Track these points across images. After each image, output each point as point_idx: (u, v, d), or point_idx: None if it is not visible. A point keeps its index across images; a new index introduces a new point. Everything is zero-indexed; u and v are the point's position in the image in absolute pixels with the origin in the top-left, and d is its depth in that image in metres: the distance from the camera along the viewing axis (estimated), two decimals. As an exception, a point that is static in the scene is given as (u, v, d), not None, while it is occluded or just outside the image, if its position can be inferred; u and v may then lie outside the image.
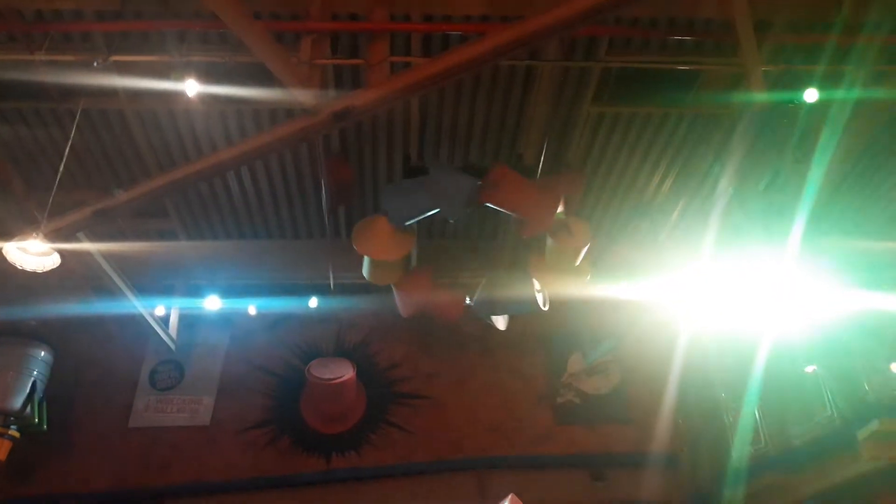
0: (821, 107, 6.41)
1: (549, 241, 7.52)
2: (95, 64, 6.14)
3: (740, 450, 8.17)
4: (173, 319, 9.83)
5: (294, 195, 8.55)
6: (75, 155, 7.46)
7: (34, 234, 5.81)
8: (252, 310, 9.93)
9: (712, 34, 6.47)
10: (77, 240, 6.68)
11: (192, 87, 6.08)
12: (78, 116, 6.73)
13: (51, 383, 9.27)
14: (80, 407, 9.73)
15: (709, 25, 6.48)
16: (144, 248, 9.06)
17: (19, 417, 8.71)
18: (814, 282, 6.85)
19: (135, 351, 10.18)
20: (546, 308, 7.88)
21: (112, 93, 6.81)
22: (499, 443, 9.78)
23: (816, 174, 6.66)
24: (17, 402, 8.66)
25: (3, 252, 5.91)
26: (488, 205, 7.14)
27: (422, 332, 10.21)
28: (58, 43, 6.29)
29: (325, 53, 5.91)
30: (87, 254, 7.52)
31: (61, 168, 6.61)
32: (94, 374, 9.97)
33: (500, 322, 8.61)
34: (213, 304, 9.46)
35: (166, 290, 9.48)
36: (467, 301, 8.17)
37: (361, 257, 7.49)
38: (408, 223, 7.26)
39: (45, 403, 9.08)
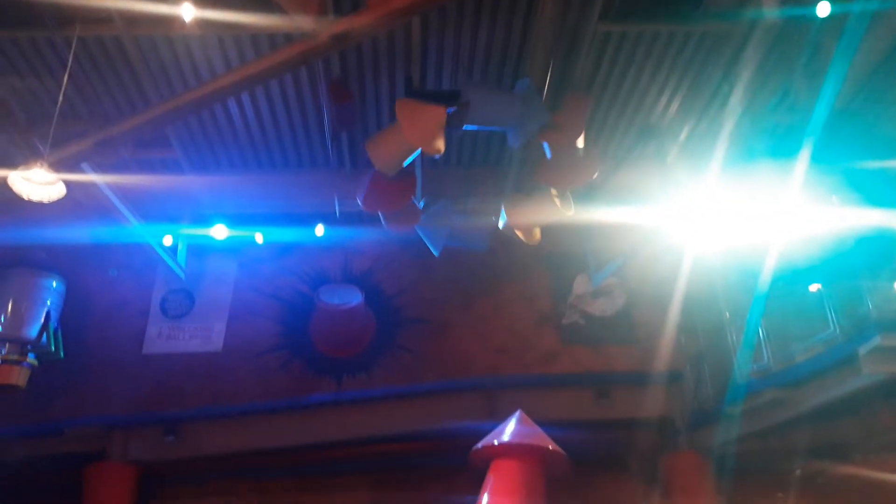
0: (832, 21, 6.23)
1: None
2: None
3: (743, 367, 8.31)
4: (181, 248, 9.95)
5: (297, 123, 8.48)
6: (74, 84, 7.38)
7: (38, 164, 5.82)
8: (259, 238, 10.01)
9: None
10: (82, 171, 6.68)
11: (188, 12, 5.95)
12: (74, 44, 6.61)
13: (63, 313, 9.44)
14: (92, 335, 9.91)
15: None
16: (150, 180, 9.07)
17: (36, 346, 8.92)
18: (819, 201, 6.83)
19: (144, 280, 10.30)
20: (572, 212, 7.58)
21: (108, 19, 6.67)
22: (506, 363, 9.98)
23: (828, 92, 6.54)
24: (33, 331, 8.87)
25: (9, 182, 5.91)
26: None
27: (428, 258, 10.26)
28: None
29: (323, -26, 5.75)
30: (94, 186, 7.55)
31: (60, 98, 6.53)
32: (104, 303, 10.12)
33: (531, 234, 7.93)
34: (220, 232, 9.53)
35: (173, 220, 9.55)
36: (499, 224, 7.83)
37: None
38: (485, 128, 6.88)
39: (59, 332, 9.28)
